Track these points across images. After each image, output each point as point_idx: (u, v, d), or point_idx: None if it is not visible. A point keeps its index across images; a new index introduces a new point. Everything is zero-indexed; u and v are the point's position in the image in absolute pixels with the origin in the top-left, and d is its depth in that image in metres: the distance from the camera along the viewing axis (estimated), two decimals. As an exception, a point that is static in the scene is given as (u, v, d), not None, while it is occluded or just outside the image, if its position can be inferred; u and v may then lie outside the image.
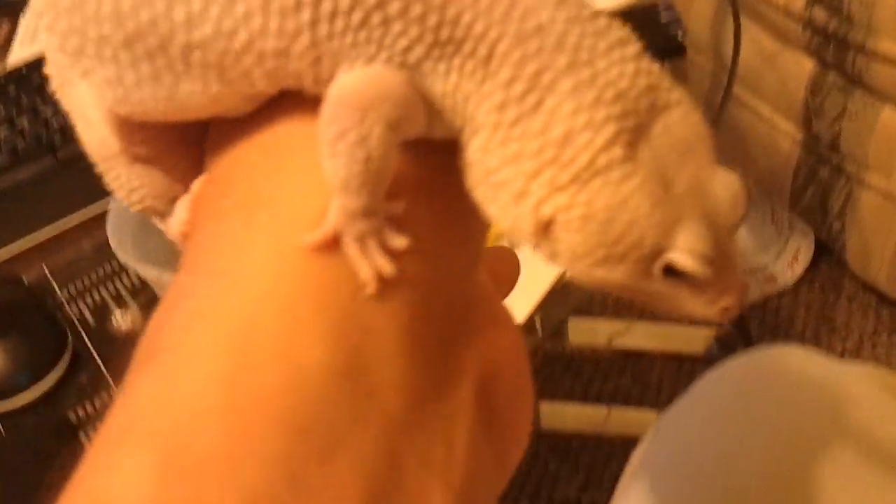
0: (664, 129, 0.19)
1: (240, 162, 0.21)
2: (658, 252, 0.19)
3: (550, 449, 1.26)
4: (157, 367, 0.18)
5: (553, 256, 0.20)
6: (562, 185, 0.19)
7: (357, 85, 0.19)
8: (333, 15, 0.19)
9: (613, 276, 0.19)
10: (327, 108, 0.19)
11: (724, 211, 0.20)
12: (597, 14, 0.19)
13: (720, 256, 0.19)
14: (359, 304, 0.19)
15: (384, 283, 0.19)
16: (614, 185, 0.19)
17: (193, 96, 0.21)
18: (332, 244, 0.19)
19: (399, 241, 0.19)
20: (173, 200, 0.23)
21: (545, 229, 0.19)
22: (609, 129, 0.19)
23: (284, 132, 0.21)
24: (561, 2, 0.19)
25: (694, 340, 1.20)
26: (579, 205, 0.19)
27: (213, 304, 0.19)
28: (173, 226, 0.23)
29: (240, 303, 0.19)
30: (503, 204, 0.20)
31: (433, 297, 0.21)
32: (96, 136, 0.23)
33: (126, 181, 0.23)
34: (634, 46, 0.20)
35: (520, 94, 0.19)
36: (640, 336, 1.19)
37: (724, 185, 0.20)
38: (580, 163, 0.19)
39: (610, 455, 1.25)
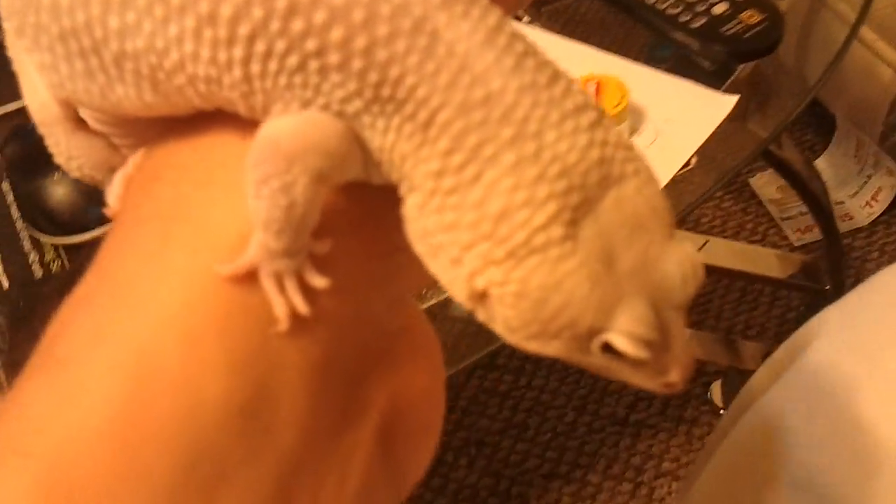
0: (615, 203, 0.18)
1: (172, 160, 0.20)
2: (595, 332, 0.18)
3: (602, 364, 1.25)
4: (51, 381, 0.18)
5: (488, 322, 0.19)
6: (496, 260, 0.18)
7: (288, 131, 0.18)
8: (267, 56, 0.18)
9: (548, 349, 0.19)
10: (255, 149, 0.18)
11: (673, 289, 0.19)
12: (555, 78, 0.18)
13: (663, 335, 0.18)
14: (268, 339, 0.18)
15: (297, 321, 0.18)
16: (551, 264, 0.18)
17: (128, 100, 0.20)
18: (249, 277, 0.18)
19: (318, 281, 0.19)
20: (113, 170, 0.22)
21: (479, 299, 0.19)
22: (550, 208, 0.17)
23: (222, 141, 0.20)
24: (517, 66, 0.18)
25: (776, 264, 1.16)
26: (513, 281, 0.18)
27: (115, 323, 0.18)
28: (109, 199, 0.22)
29: (143, 326, 0.18)
30: (440, 264, 0.19)
31: (348, 334, 0.20)
32: (38, 100, 0.22)
33: (65, 148, 0.23)
34: (591, 114, 0.18)
35: (458, 164, 0.18)
36: (717, 253, 1.15)
37: (676, 261, 0.19)
38: (516, 240, 0.18)
39: (662, 376, 1.24)
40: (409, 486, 0.23)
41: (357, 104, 0.18)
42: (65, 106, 0.22)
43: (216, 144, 0.20)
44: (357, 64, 0.18)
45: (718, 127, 0.69)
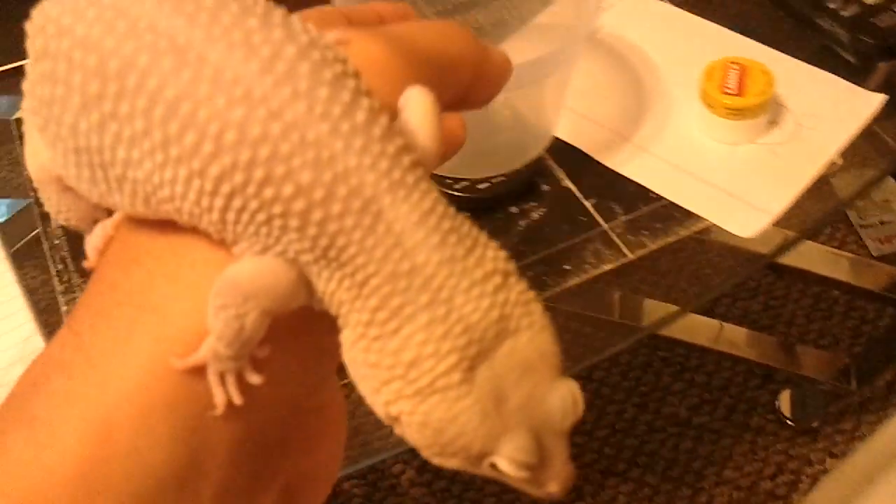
0: (509, 351, 0.22)
1: (150, 247, 0.24)
2: (484, 455, 0.22)
3: (665, 361, 1.20)
4: (27, 436, 0.22)
5: (402, 436, 0.23)
6: (406, 396, 0.22)
7: (247, 274, 0.22)
8: (241, 210, 0.22)
9: (449, 464, 0.23)
10: (218, 282, 0.22)
11: (555, 419, 0.22)
12: (471, 250, 0.23)
13: (544, 457, 0.23)
14: (205, 419, 0.22)
15: (230, 407, 0.23)
16: (449, 402, 0.22)
17: (122, 205, 0.24)
18: (198, 369, 0.22)
19: (255, 379, 0.23)
20: (95, 222, 0.26)
21: (394, 420, 0.23)
22: (451, 359, 0.22)
23: (195, 245, 0.23)
24: (441, 242, 0.22)
25: (855, 272, 1.11)
26: (419, 413, 0.22)
27: (84, 393, 0.22)
28: (88, 248, 0.26)
29: (107, 398, 0.22)
30: (364, 388, 0.23)
31: (271, 414, 0.24)
32: (37, 164, 0.26)
33: (55, 203, 0.27)
34: (497, 279, 0.23)
35: (383, 319, 0.22)
36: (808, 256, 1.10)
37: (559, 396, 0.23)
38: (422, 382, 0.22)
39: (728, 381, 1.19)
40: None
41: (308, 257, 0.22)
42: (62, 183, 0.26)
43: (189, 246, 0.23)
44: (311, 231, 0.22)
45: (863, 127, 0.64)
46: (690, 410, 1.15)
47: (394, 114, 0.23)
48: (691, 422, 1.14)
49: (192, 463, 0.22)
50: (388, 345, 0.22)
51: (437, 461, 0.23)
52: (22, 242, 0.61)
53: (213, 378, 0.22)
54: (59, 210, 0.27)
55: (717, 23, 0.71)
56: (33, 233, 0.61)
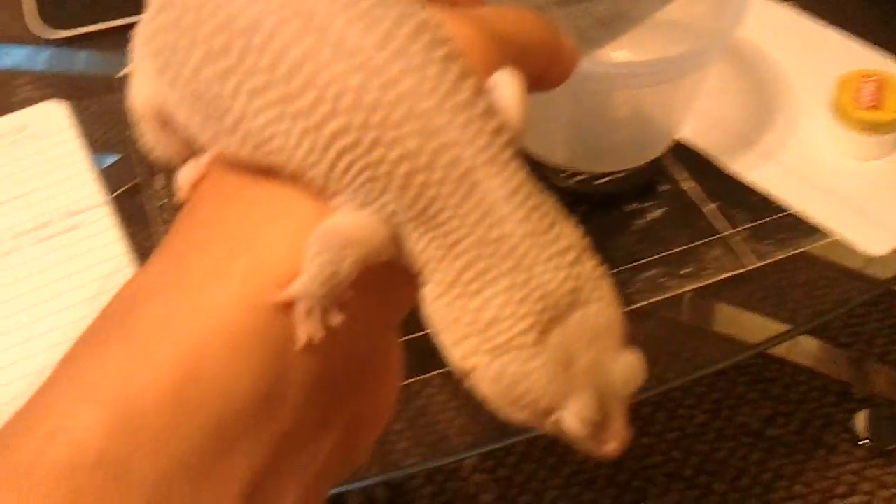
0: (581, 318, 0.24)
1: (244, 192, 0.25)
2: (551, 411, 0.24)
3: (740, 369, 1.19)
4: (125, 350, 0.23)
5: (471, 389, 0.25)
6: (483, 351, 0.24)
7: (345, 225, 0.24)
8: (348, 167, 0.24)
9: (516, 417, 0.25)
10: (320, 230, 0.24)
11: (617, 385, 0.25)
12: (552, 226, 0.24)
13: (605, 418, 0.25)
14: (287, 351, 0.24)
15: (310, 343, 0.24)
16: (523, 360, 0.24)
17: (227, 148, 0.25)
18: (286, 306, 0.24)
19: (336, 319, 0.24)
20: (185, 160, 0.28)
21: (467, 374, 0.25)
22: (527, 321, 0.24)
23: (289, 194, 0.25)
24: (526, 217, 0.24)
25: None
26: (493, 368, 0.24)
27: (179, 319, 0.23)
28: (181, 180, 0.27)
29: (200, 327, 0.23)
30: (442, 340, 0.25)
31: (345, 353, 0.26)
32: (143, 96, 0.27)
33: (151, 138, 0.28)
34: (573, 253, 0.25)
35: (467, 280, 0.24)
36: None
37: (623, 365, 0.25)
38: (499, 340, 0.24)
39: (804, 395, 1.17)
40: (358, 464, 0.30)
41: (403, 216, 0.24)
42: (162, 110, 0.27)
43: (285, 195, 0.25)
44: (412, 192, 0.24)
45: None
46: (764, 422, 1.14)
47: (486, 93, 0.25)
48: (764, 433, 1.13)
49: (274, 392, 0.24)
50: (469, 303, 0.24)
51: (504, 413, 0.25)
52: (122, 190, 0.62)
53: (299, 314, 0.24)
54: (154, 146, 0.29)
55: (847, 32, 0.69)
56: (133, 182, 0.62)
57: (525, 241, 0.24)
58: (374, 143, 0.23)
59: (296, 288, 0.24)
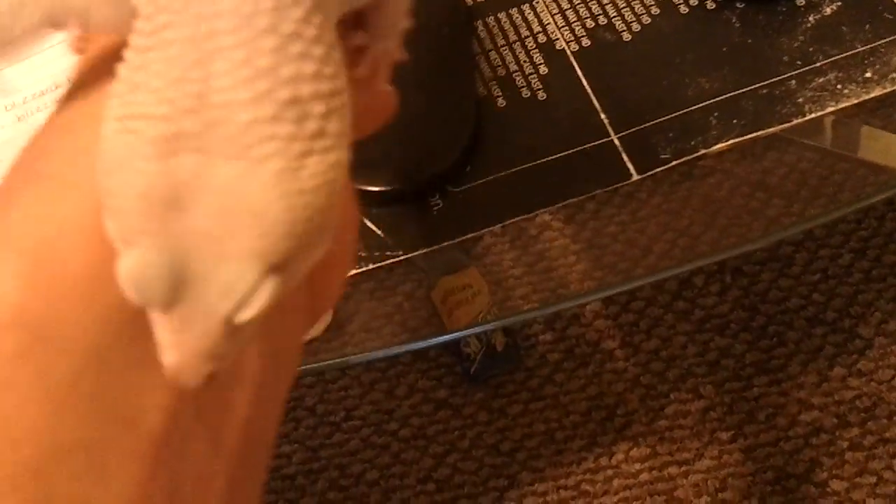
0: (225, 172, 0.21)
1: None
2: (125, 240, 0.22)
3: (890, 204, 1.09)
4: (37, 192, 0.22)
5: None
6: (113, 118, 0.22)
7: None
8: None
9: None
10: None
11: (212, 293, 0.20)
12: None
13: (169, 303, 0.20)
14: None
15: None
16: (128, 147, 0.21)
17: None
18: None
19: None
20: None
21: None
22: (161, 126, 0.21)
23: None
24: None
25: None
26: (106, 129, 0.22)
27: (88, 151, 0.22)
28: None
29: None
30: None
31: None
32: None
33: None
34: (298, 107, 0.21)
35: (150, 55, 0.21)
36: None
37: (235, 274, 0.20)
38: (131, 111, 0.21)
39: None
40: (324, 310, 0.30)
41: None
42: None
43: None
44: None
45: None
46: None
47: None
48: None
49: None
50: (137, 75, 0.21)
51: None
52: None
53: None
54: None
55: None
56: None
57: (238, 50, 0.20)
58: None
59: None
